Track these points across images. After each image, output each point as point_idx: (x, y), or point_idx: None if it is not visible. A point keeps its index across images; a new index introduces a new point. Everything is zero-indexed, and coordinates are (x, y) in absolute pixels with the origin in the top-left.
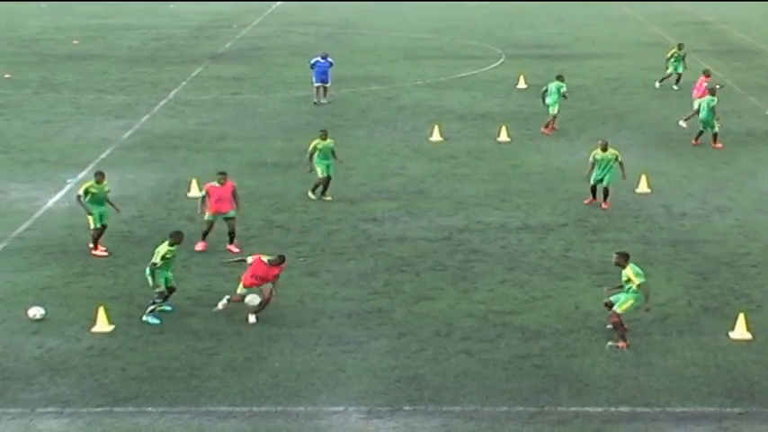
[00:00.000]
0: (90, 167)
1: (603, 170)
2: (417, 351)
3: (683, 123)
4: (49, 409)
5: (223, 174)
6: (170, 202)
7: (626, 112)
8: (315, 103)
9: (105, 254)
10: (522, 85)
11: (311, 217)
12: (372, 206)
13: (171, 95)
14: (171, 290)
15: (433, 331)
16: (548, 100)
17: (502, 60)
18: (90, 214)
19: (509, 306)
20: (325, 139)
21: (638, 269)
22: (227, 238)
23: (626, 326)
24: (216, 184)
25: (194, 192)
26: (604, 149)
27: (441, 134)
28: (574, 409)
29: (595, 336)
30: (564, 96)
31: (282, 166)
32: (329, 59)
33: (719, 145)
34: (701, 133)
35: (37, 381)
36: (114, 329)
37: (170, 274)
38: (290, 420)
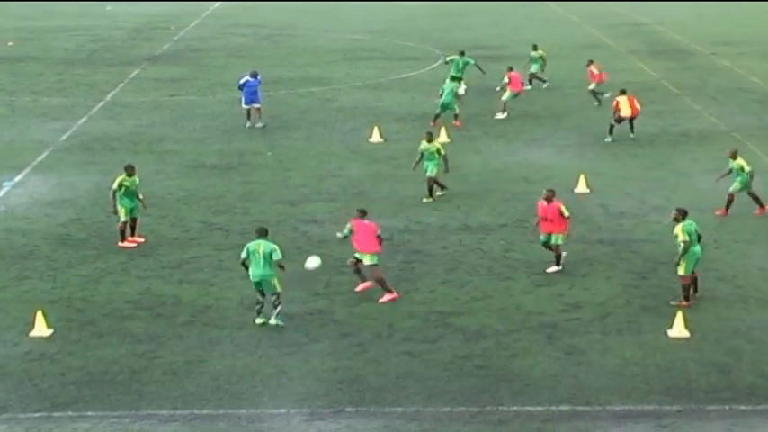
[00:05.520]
0: (27, 170)
1: None
2: (359, 352)
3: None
4: None
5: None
6: (108, 204)
7: (562, 113)
8: (248, 128)
9: (141, 240)
10: (461, 87)
11: (251, 219)
12: (312, 208)
13: (108, 97)
14: None
15: (374, 332)
16: (444, 99)
17: (440, 61)
18: (116, 211)
19: (450, 307)
20: None
21: (691, 227)
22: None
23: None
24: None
25: None
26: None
27: (380, 135)
28: (515, 408)
29: (536, 336)
30: (457, 96)
31: (222, 167)
32: (259, 78)
33: (459, 123)
34: (437, 116)
35: None
36: (52, 334)
37: None
38: (231, 423)
